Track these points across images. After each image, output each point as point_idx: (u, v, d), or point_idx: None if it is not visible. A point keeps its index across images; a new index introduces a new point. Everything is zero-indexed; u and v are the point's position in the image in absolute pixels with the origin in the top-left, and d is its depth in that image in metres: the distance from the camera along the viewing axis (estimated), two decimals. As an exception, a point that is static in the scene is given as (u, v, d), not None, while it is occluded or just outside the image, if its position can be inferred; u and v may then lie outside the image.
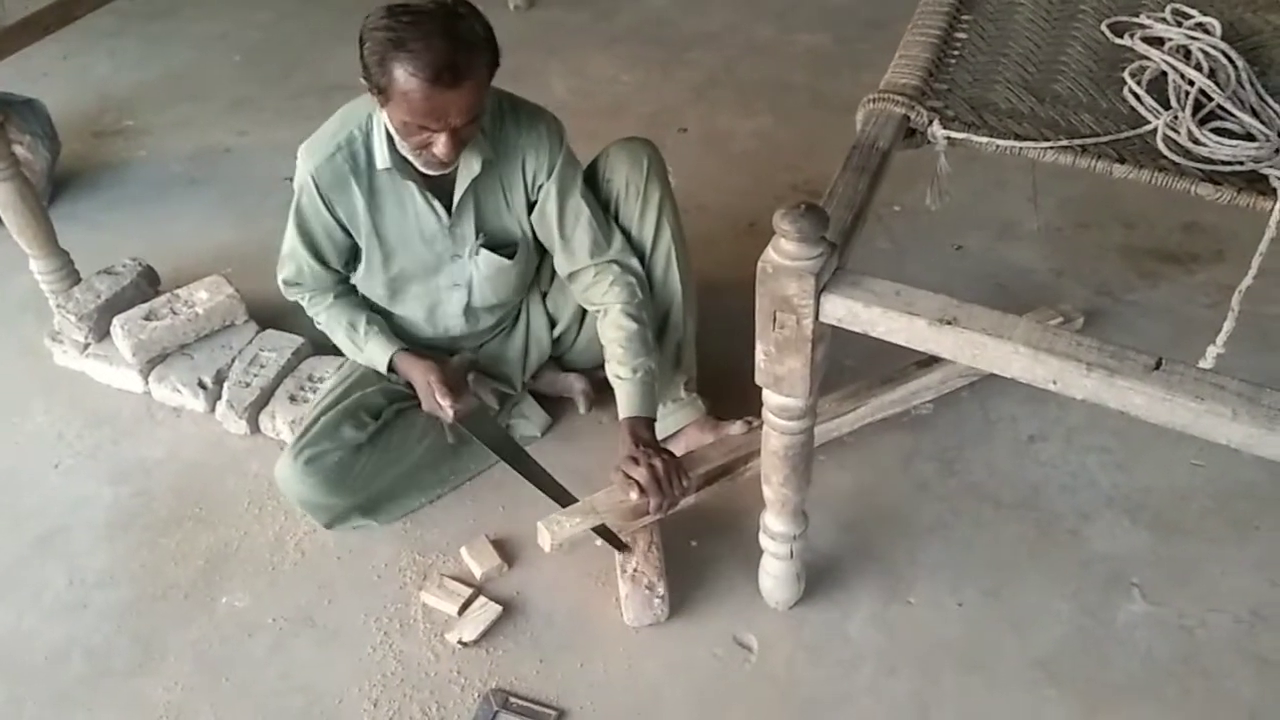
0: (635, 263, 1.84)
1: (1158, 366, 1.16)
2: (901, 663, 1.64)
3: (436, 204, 1.75)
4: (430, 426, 1.94)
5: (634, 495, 1.67)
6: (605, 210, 1.86)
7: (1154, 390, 1.14)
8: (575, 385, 2.08)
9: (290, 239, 1.81)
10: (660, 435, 1.93)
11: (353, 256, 1.85)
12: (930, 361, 1.93)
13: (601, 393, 2.08)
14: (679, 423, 1.92)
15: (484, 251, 1.82)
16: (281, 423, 2.04)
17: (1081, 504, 1.86)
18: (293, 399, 2.07)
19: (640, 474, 1.66)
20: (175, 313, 2.19)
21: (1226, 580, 1.73)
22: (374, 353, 1.87)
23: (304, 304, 1.91)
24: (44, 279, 2.27)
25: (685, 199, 1.97)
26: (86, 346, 2.23)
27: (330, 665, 1.69)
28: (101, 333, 2.22)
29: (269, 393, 2.10)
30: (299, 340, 2.19)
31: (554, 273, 1.96)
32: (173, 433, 2.12)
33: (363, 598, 1.79)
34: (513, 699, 1.62)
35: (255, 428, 2.09)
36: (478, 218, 1.79)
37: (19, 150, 2.42)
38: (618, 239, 1.84)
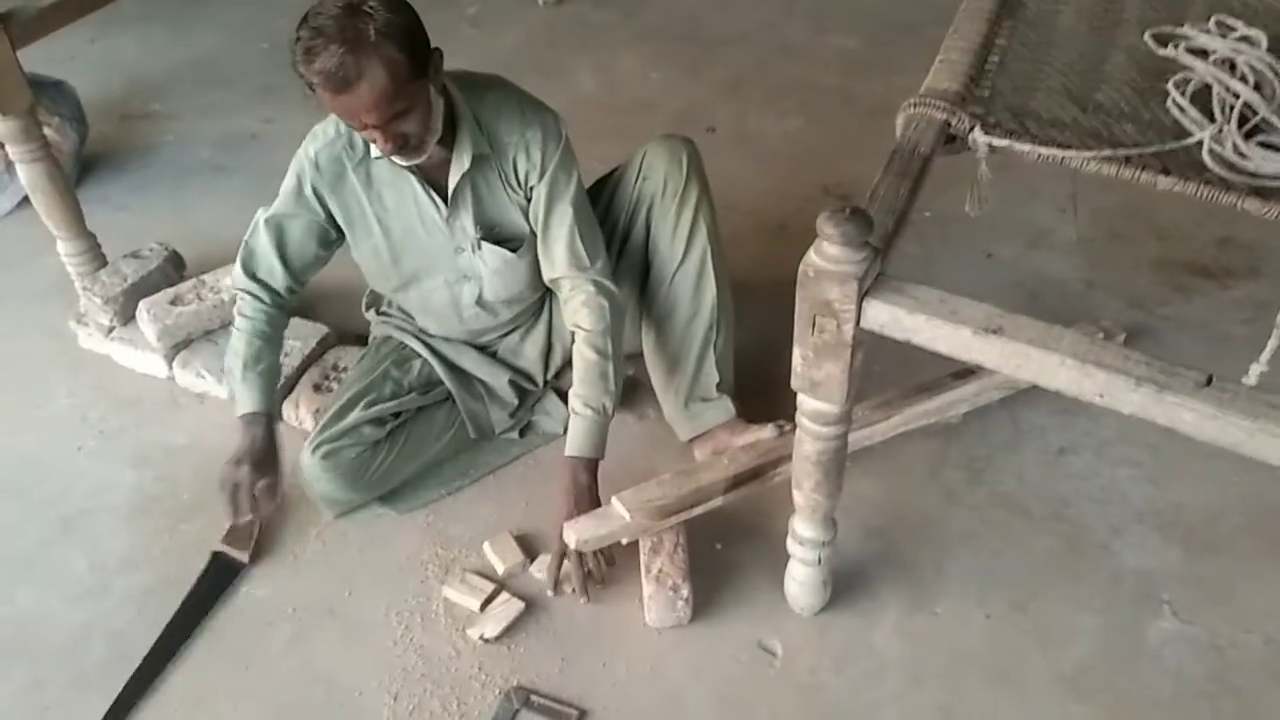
0: (613, 286, 1.78)
1: (1208, 383, 1.14)
2: (927, 673, 1.63)
3: (434, 194, 1.74)
4: (450, 423, 1.93)
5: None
6: (638, 212, 1.86)
7: (1205, 407, 1.12)
8: None
9: (260, 226, 1.79)
10: (689, 435, 1.92)
11: (311, 263, 1.83)
12: (967, 373, 1.91)
13: (628, 392, 2.07)
14: (709, 423, 1.91)
15: (486, 245, 1.79)
16: (305, 412, 2.03)
17: (1112, 518, 1.83)
18: (317, 388, 2.06)
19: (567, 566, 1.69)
20: (201, 299, 2.19)
21: (1260, 600, 1.70)
22: (241, 396, 1.80)
23: (240, 301, 1.82)
24: (71, 261, 2.27)
25: (714, 199, 1.96)
26: (111, 330, 2.23)
27: (350, 658, 1.68)
28: (127, 316, 2.22)
29: (293, 381, 2.09)
30: (324, 329, 2.19)
31: None
32: (196, 419, 2.11)
33: (384, 590, 1.78)
34: (534, 697, 1.61)
35: (279, 416, 2.08)
36: (477, 211, 1.77)
37: (48, 132, 2.40)
38: (602, 259, 1.79)
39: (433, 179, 1.73)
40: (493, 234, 1.80)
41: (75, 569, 1.84)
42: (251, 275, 1.81)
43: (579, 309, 1.77)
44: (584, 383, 1.75)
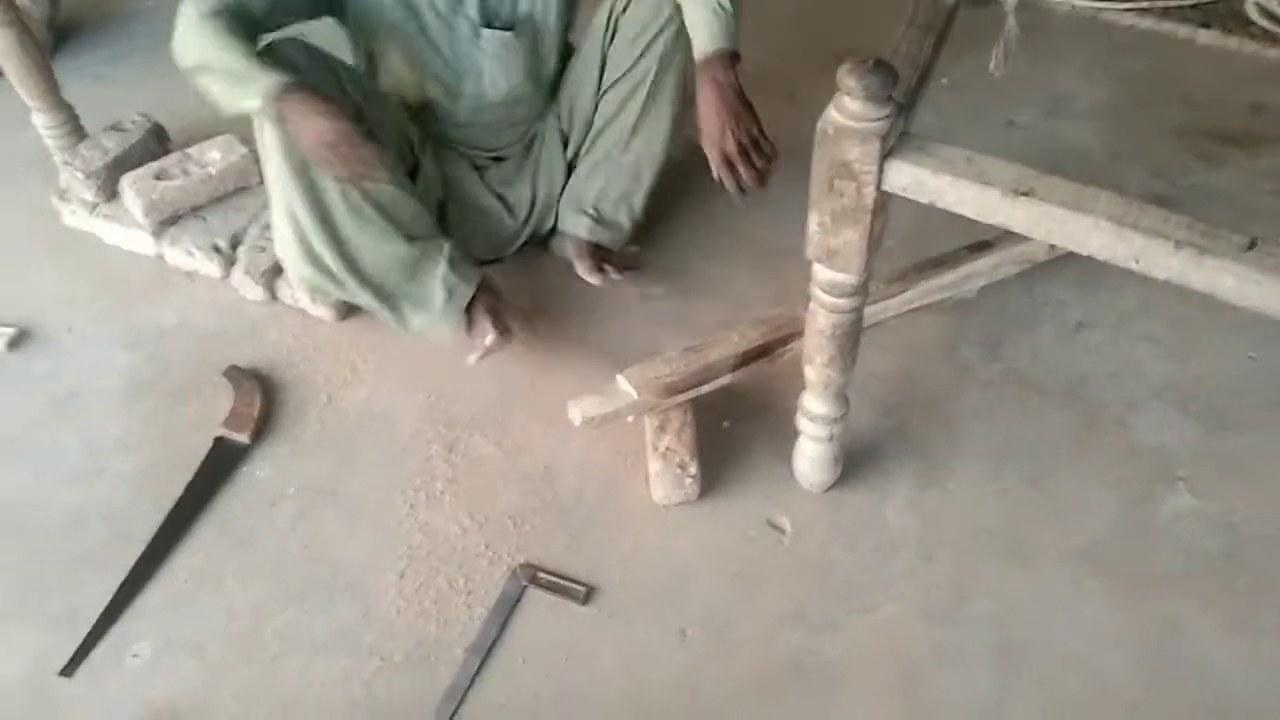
0: None
1: (1251, 246, 1.08)
2: (939, 549, 1.61)
3: None
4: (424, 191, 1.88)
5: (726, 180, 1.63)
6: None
7: (1248, 271, 1.06)
8: (567, 247, 2.01)
9: None
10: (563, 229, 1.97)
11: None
12: (983, 246, 1.84)
13: (599, 259, 2.01)
14: (574, 229, 1.94)
15: (485, 32, 1.75)
16: (301, 290, 1.96)
17: (1129, 394, 1.79)
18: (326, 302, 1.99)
19: (729, 146, 1.61)
20: (187, 173, 2.10)
21: (1277, 477, 1.67)
22: (262, 73, 1.56)
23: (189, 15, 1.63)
24: (48, 133, 2.17)
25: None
26: (95, 206, 2.14)
27: (354, 537, 1.66)
28: (110, 192, 2.13)
29: (287, 259, 2.02)
30: (316, 204, 2.10)
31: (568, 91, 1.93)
32: (187, 298, 2.05)
33: (386, 470, 1.75)
34: (541, 574, 1.59)
35: (272, 294, 2.02)
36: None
37: (17, -4, 2.28)
38: None
39: None
40: (494, 18, 1.77)
41: (69, 451, 1.80)
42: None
43: None
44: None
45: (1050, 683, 1.46)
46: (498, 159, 1.97)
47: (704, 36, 1.64)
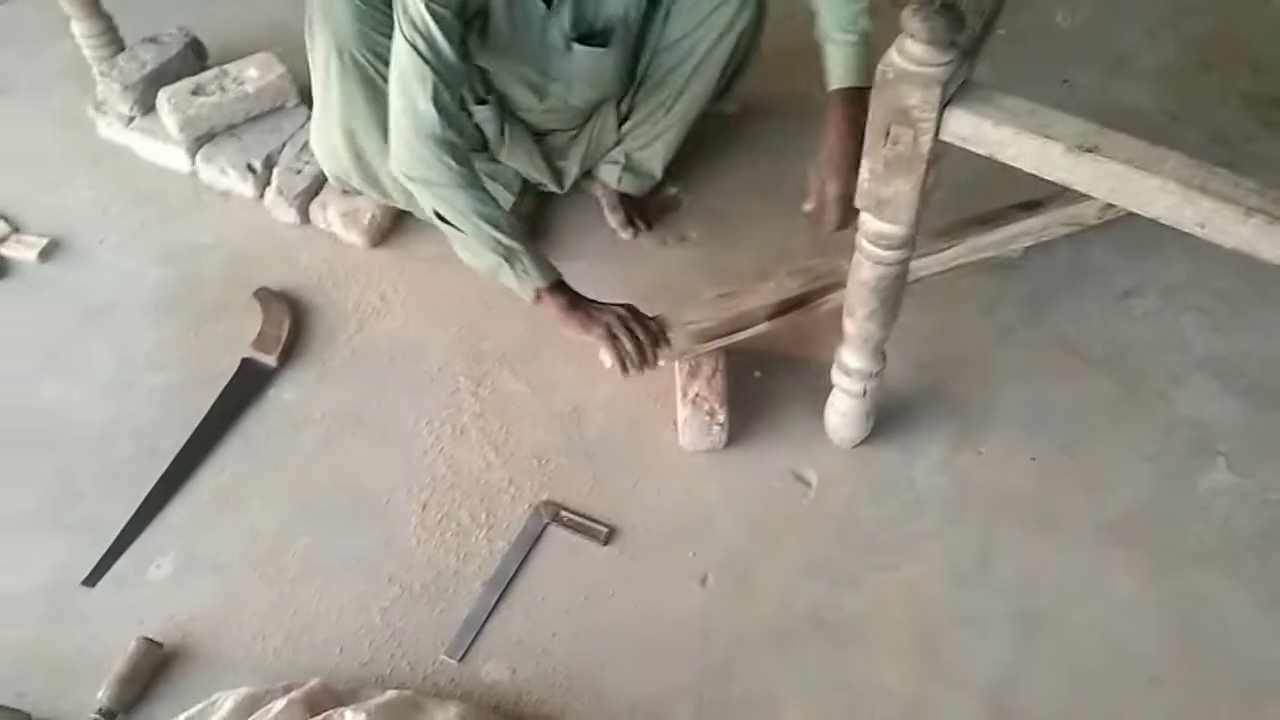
0: None
1: (1327, 216, 1.03)
2: (967, 511, 1.58)
3: None
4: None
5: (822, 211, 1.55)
6: None
7: (1321, 243, 1.01)
8: (596, 188, 1.98)
9: (430, 24, 1.44)
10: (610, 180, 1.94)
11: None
12: (1033, 205, 1.79)
13: (663, 213, 1.99)
14: (605, 175, 1.92)
15: (577, 48, 1.67)
16: (334, 213, 1.94)
17: (1172, 365, 1.74)
18: (345, 190, 1.97)
19: (845, 189, 1.47)
20: (224, 90, 2.07)
21: (1320, 457, 1.63)
22: (535, 267, 1.54)
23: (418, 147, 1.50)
24: (86, 43, 2.14)
25: (771, 7, 1.81)
26: (131, 119, 2.12)
27: (379, 465, 1.66)
28: (147, 106, 2.11)
29: (321, 181, 1.99)
30: (353, 129, 2.07)
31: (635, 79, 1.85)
32: (220, 217, 2.03)
33: (414, 401, 1.74)
34: (564, 512, 1.59)
35: (305, 217, 2.00)
36: (576, 12, 1.64)
37: (59, -101, 2.24)
38: None
39: None
40: (587, 31, 1.68)
41: (101, 364, 1.80)
42: (444, 109, 1.47)
43: None
44: (829, 5, 1.53)
45: (1072, 650, 1.45)
46: (555, 130, 1.92)
47: (845, 65, 1.53)
